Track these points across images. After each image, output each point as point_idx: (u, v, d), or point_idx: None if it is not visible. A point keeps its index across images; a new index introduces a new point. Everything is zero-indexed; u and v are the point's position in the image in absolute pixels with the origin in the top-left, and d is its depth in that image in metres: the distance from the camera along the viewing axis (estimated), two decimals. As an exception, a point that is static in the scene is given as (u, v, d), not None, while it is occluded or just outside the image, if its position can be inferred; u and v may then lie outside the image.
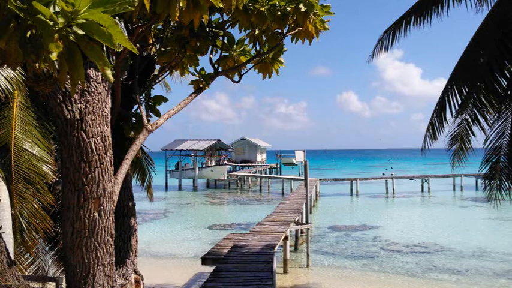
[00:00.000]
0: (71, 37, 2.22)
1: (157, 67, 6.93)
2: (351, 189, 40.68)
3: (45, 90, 3.59)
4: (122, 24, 5.38)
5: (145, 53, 6.59)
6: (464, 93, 7.53)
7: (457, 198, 37.76)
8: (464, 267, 15.45)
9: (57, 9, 2.15)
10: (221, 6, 4.62)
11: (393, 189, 40.37)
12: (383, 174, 55.47)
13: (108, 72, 2.36)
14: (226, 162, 55.68)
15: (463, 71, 7.68)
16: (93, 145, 4.34)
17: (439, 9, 8.66)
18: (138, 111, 5.99)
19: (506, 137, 6.96)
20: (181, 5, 4.21)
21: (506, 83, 7.01)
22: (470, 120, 7.45)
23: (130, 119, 6.17)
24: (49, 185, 6.92)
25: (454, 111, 7.72)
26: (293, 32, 6.09)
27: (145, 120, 5.67)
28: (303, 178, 22.42)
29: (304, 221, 19.17)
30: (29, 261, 7.47)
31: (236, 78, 6.82)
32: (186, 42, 6.05)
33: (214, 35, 6.30)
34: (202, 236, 21.65)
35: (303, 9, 5.60)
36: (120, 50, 3.70)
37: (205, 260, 11.88)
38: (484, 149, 7.24)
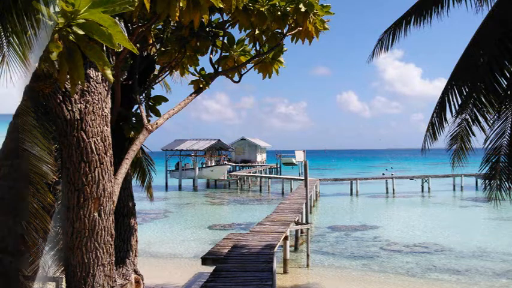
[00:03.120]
0: (71, 37, 2.22)
1: (158, 67, 6.93)
2: (351, 189, 40.67)
3: (45, 90, 3.60)
4: (122, 24, 5.38)
5: (145, 53, 6.59)
6: (464, 93, 7.52)
7: (457, 198, 37.76)
8: (464, 267, 15.45)
9: (57, 9, 2.15)
10: (221, 6, 4.62)
11: (393, 189, 40.37)
12: (383, 174, 55.47)
13: (108, 72, 2.36)
14: (226, 162, 55.68)
15: (463, 71, 7.67)
16: (93, 145, 4.34)
17: (439, 9, 8.64)
18: (138, 111, 5.99)
19: (506, 137, 6.95)
20: (181, 5, 4.21)
21: (506, 83, 7.01)
22: (470, 120, 7.44)
23: (131, 119, 6.17)
24: (49, 185, 6.91)
25: (454, 111, 7.70)
26: (293, 32, 6.09)
27: (145, 120, 5.68)
28: (303, 178, 22.43)
29: (304, 221, 19.18)
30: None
31: (236, 78, 6.82)
32: (186, 42, 6.05)
33: (214, 35, 6.31)
34: (202, 236, 21.65)
35: (303, 9, 5.61)
36: (120, 50, 3.70)
37: (205, 260, 11.89)
38: (484, 149, 7.23)
